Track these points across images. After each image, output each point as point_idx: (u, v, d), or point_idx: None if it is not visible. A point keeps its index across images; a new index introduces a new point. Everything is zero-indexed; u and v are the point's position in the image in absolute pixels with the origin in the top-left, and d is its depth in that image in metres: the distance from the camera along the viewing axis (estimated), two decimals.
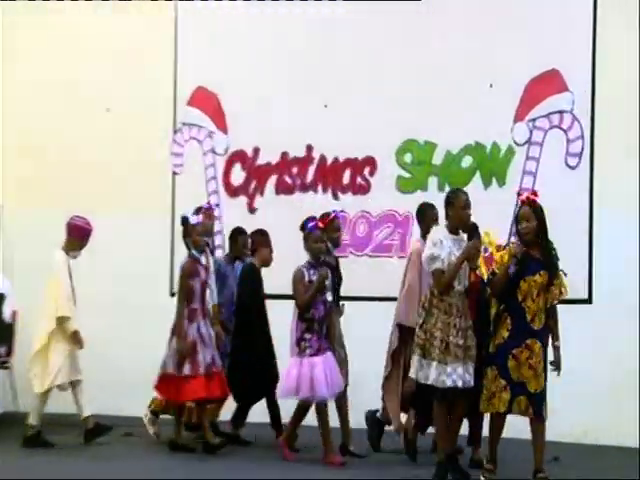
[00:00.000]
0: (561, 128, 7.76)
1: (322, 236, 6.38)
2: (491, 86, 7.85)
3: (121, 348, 8.41)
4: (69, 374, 7.06)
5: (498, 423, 5.76)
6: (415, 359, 5.82)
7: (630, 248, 7.44)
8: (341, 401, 6.59)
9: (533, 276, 5.66)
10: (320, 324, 6.37)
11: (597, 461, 6.83)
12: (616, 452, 7.09)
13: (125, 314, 8.45)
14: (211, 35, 8.63)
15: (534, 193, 5.82)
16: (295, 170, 8.45)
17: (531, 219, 5.67)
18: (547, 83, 7.76)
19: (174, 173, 8.78)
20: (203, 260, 6.81)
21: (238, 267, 7.26)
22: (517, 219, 5.79)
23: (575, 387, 6.76)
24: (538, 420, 5.68)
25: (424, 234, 6.42)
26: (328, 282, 6.39)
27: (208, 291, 6.85)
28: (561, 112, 7.75)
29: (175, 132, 8.81)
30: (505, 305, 5.76)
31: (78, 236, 7.18)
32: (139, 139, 8.67)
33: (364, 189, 8.26)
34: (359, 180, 8.27)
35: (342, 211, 6.93)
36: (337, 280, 6.71)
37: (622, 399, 7.24)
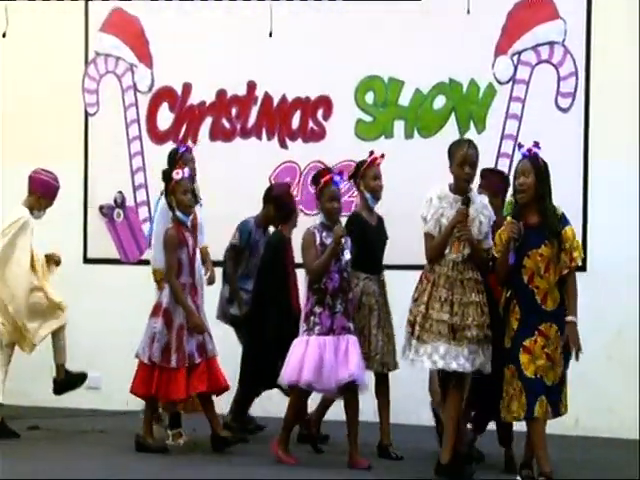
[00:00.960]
0: (551, 63, 7.30)
1: (339, 193, 5.80)
2: (468, 12, 7.30)
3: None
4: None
5: (533, 429, 5.21)
6: (405, 338, 5.47)
7: (631, 206, 7.04)
8: (349, 395, 5.76)
9: (537, 249, 5.20)
10: (334, 297, 5.68)
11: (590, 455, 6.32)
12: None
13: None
14: None
15: (536, 144, 5.36)
16: (234, 112, 7.91)
17: (529, 174, 5.26)
18: (535, 9, 7.30)
19: (87, 114, 8.23)
20: (189, 223, 6.20)
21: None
22: (515, 174, 5.39)
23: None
24: (553, 418, 5.25)
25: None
26: (346, 245, 5.75)
27: (197, 262, 6.28)
28: (551, 44, 7.29)
29: (87, 64, 8.26)
30: (511, 290, 5.33)
31: (44, 193, 6.70)
32: (44, 71, 8.14)
33: (317, 135, 7.73)
34: (311, 124, 7.75)
35: (382, 156, 6.21)
36: (380, 243, 6.13)
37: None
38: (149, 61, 8.02)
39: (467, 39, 7.29)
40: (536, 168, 5.25)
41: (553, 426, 5.48)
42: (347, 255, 5.73)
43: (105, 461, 5.84)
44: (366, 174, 6.07)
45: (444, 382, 5.44)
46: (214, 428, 6.05)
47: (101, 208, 7.99)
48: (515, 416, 5.20)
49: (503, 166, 7.18)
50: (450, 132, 7.27)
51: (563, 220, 5.28)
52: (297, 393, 5.73)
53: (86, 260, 7.90)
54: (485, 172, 5.92)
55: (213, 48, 7.80)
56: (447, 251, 5.34)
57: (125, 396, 6.50)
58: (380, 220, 6.20)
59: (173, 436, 6.28)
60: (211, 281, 6.58)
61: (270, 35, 7.63)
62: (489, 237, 5.35)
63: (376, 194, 6.12)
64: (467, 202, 5.31)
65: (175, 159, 6.32)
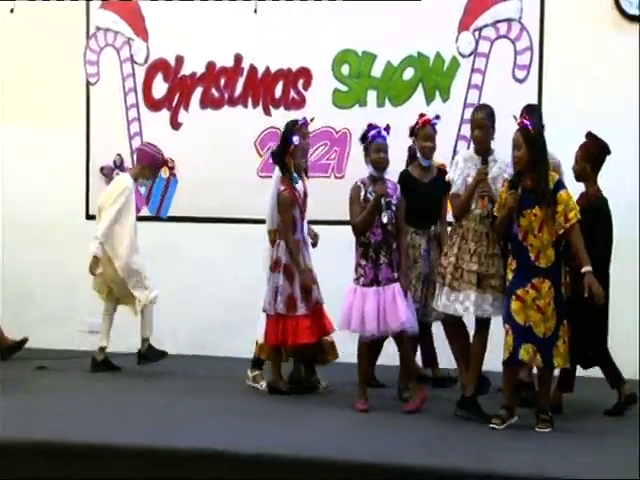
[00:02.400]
0: (509, 38, 7.45)
1: (386, 146, 5.72)
2: None
3: (33, 272, 8.11)
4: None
5: (508, 372, 5.33)
6: (437, 288, 5.59)
7: None
8: (399, 340, 5.76)
9: (532, 209, 5.26)
10: (377, 250, 5.69)
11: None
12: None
13: (38, 236, 8.11)
14: None
15: (525, 116, 5.40)
16: (222, 82, 7.98)
17: (521, 147, 5.28)
18: None
19: (89, 83, 8.28)
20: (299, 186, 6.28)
21: None
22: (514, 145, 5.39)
23: None
24: (546, 368, 5.31)
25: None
26: (392, 200, 5.73)
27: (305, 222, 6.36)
28: (509, 20, 7.44)
29: (88, 38, 8.28)
30: (508, 246, 5.40)
31: (150, 164, 7.04)
32: (48, 44, 8.15)
33: (298, 104, 7.83)
34: (292, 94, 7.85)
35: (437, 117, 6.25)
36: (429, 200, 6.15)
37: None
38: (145, 35, 8.07)
39: (433, 17, 7.43)
40: (527, 139, 5.23)
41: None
42: (384, 219, 5.65)
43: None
44: (418, 134, 6.18)
45: (454, 327, 5.59)
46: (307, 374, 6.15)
47: (102, 169, 8.10)
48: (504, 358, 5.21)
49: (465, 132, 7.18)
50: (418, 101, 7.48)
51: (558, 184, 5.28)
52: (358, 343, 5.74)
53: (88, 216, 7.98)
54: (588, 135, 5.84)
55: (203, 24, 7.85)
56: (473, 207, 5.44)
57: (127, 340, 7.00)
58: (436, 178, 6.17)
59: (254, 377, 6.38)
60: (315, 243, 6.48)
61: (255, 12, 7.72)
62: None
63: (425, 154, 6.20)
64: (485, 162, 5.38)
65: (293, 129, 6.30)
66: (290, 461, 4.48)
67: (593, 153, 5.79)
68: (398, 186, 5.88)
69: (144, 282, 6.91)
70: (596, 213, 5.64)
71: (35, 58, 8.17)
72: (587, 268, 5.21)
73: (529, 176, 5.30)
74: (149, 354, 6.93)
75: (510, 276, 5.32)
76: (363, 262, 5.72)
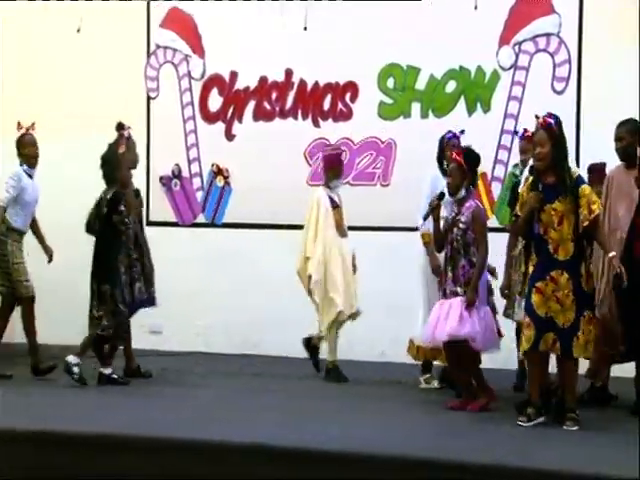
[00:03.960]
0: (547, 52, 7.67)
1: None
2: (476, 8, 7.66)
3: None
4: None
5: (528, 362, 5.50)
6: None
7: None
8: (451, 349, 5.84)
9: (552, 204, 5.36)
10: (446, 265, 5.88)
11: None
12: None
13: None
14: None
15: (550, 114, 5.49)
16: (274, 96, 8.29)
17: (545, 144, 5.38)
18: (533, 5, 7.65)
19: (149, 98, 8.61)
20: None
21: None
22: (534, 145, 5.53)
23: None
24: (565, 357, 5.36)
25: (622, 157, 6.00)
26: (446, 214, 5.90)
27: None
28: (548, 35, 7.64)
29: (149, 55, 8.63)
30: (530, 242, 5.54)
31: (331, 166, 6.96)
32: (112, 62, 8.48)
33: (345, 115, 8.11)
34: (340, 106, 8.12)
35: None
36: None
37: None
38: (202, 52, 8.38)
39: (475, 32, 7.62)
40: (551, 137, 5.32)
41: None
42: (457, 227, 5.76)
43: None
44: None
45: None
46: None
47: (161, 179, 8.41)
48: (522, 348, 5.36)
49: (505, 141, 7.59)
50: (460, 112, 7.75)
51: (579, 180, 5.39)
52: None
53: (148, 223, 7.95)
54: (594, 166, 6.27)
55: (256, 41, 8.15)
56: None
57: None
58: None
59: (425, 380, 6.57)
60: None
61: (305, 29, 7.99)
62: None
63: (522, 164, 6.41)
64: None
65: (443, 144, 6.50)
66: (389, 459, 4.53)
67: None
68: (473, 204, 5.89)
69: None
70: None
71: (100, 74, 8.49)
72: (612, 253, 5.39)
73: (550, 173, 5.40)
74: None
75: (530, 270, 5.44)
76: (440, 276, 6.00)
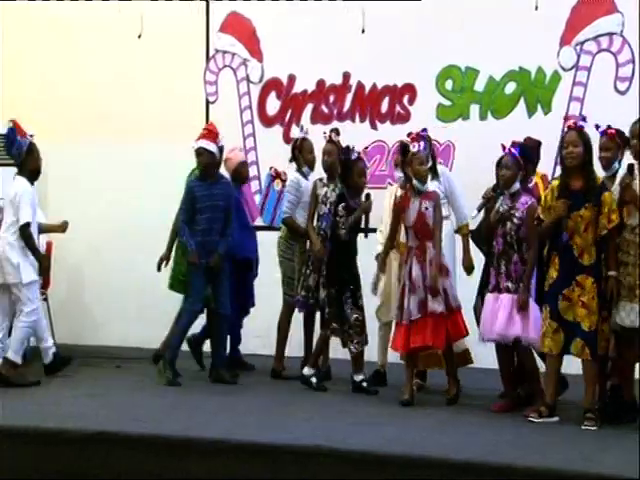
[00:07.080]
0: (610, 51, 7.53)
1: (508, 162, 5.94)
2: (536, 8, 7.57)
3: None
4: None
5: (550, 364, 5.57)
6: None
7: None
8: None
9: (578, 211, 5.48)
10: (499, 259, 5.88)
11: None
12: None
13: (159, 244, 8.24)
14: None
15: (584, 119, 5.65)
16: (332, 99, 8.28)
17: (578, 145, 5.49)
18: (595, 4, 7.52)
19: (208, 102, 8.65)
20: None
21: None
22: (562, 144, 5.63)
23: None
24: (592, 361, 5.47)
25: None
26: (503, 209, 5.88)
27: None
28: (610, 34, 7.50)
29: (208, 59, 8.68)
30: (552, 244, 5.62)
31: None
32: (171, 66, 8.57)
33: (403, 118, 8.06)
34: (398, 108, 8.08)
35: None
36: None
37: None
38: (260, 56, 8.42)
39: (535, 32, 7.50)
40: (584, 140, 5.49)
41: None
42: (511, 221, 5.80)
43: None
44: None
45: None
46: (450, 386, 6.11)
47: None
48: (547, 350, 5.47)
49: None
50: (520, 114, 7.66)
51: (602, 186, 5.52)
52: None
53: None
54: None
55: (313, 44, 8.16)
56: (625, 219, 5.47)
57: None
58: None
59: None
60: None
61: (362, 32, 7.99)
62: None
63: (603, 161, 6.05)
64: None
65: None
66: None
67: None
68: (530, 201, 5.89)
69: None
70: None
71: (161, 79, 8.60)
72: (612, 273, 5.41)
73: (578, 176, 5.48)
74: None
75: (554, 275, 5.51)
76: (490, 269, 5.95)
